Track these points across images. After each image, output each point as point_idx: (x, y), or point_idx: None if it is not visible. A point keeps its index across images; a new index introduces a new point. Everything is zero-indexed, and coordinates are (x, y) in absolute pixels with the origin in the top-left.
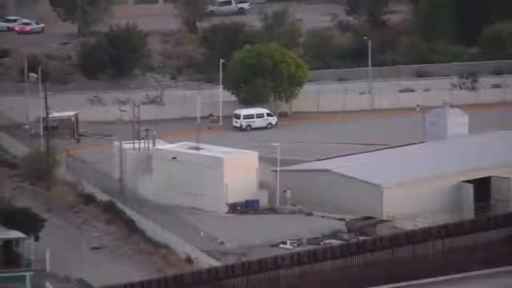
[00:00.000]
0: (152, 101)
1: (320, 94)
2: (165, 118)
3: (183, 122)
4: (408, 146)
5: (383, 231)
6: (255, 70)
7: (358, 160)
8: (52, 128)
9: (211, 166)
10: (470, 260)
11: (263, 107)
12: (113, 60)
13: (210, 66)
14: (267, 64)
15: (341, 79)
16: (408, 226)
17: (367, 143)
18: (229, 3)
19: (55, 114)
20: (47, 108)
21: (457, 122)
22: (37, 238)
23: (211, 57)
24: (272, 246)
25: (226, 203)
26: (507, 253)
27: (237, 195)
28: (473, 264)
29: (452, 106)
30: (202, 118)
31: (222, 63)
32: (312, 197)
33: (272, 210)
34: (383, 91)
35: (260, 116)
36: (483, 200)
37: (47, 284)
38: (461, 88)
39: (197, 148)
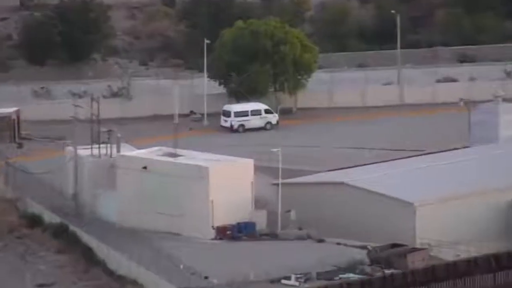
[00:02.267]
0: (116, 94)
1: (334, 84)
2: (133, 117)
3: (157, 122)
4: (448, 153)
5: (415, 262)
6: (250, 53)
7: (382, 171)
8: None
9: (193, 178)
10: None
11: (261, 102)
12: (65, 40)
13: (191, 48)
14: (266, 46)
15: (361, 66)
16: (449, 256)
17: (394, 149)
18: None
19: None
20: None
21: None
22: None
23: (192, 37)
24: (272, 282)
25: (213, 226)
26: None
27: (226, 215)
28: None
29: (505, 100)
30: (181, 116)
31: (207, 44)
32: (324, 218)
33: (272, 235)
34: (416, 81)
35: (256, 113)
36: None
37: None
38: None
39: (175, 155)
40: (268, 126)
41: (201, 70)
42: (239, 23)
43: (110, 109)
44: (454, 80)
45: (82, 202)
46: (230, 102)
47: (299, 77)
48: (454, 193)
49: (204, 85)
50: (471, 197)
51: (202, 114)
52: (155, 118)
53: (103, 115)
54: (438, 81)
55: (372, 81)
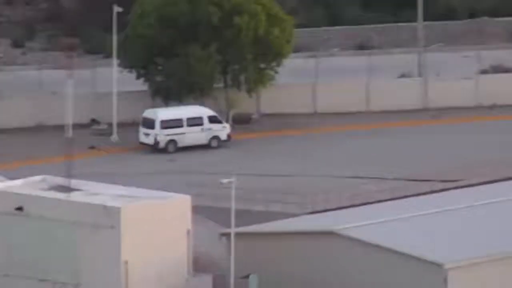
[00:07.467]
0: None
1: (319, 77)
2: (1, 128)
3: (38, 135)
4: (496, 186)
5: None
6: (185, 28)
7: (392, 214)
8: None
9: (95, 226)
10: None
11: (202, 105)
12: None
13: (92, 20)
14: (210, 16)
15: (363, 47)
16: None
17: (414, 178)
18: None
19: None
20: None
21: None
22: None
23: (95, 2)
24: None
25: None
26: None
27: (148, 284)
28: None
29: None
30: (78, 127)
31: (118, 13)
32: (303, 287)
33: None
34: (448, 72)
35: (195, 122)
36: None
37: None
38: None
39: (67, 189)
40: (214, 143)
41: (108, 55)
42: None
43: None
44: (508, 71)
45: None
46: (154, 106)
47: (263, 65)
48: (503, 249)
49: (113, 79)
50: None
51: (110, 124)
52: (36, 130)
53: None
54: (484, 71)
55: (379, 71)
